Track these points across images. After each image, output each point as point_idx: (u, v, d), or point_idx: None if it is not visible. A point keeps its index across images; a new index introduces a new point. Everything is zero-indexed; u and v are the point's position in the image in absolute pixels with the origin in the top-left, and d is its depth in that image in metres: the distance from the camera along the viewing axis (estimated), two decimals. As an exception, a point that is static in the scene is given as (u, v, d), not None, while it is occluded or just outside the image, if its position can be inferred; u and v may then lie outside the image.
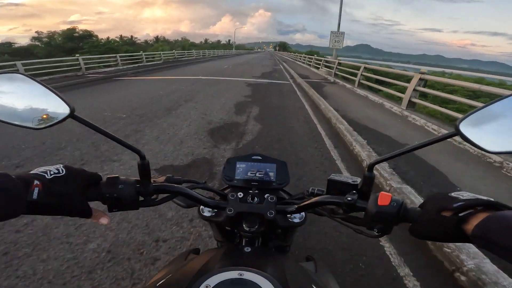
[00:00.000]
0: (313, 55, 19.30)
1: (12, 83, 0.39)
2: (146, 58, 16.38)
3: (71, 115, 0.39)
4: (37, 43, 45.14)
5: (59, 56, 27.95)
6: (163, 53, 19.35)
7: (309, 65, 18.09)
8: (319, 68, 13.78)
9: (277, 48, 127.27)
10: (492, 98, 0.41)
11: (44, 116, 0.39)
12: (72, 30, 48.43)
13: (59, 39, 47.45)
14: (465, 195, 0.37)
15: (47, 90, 0.39)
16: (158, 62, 17.49)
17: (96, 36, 48.59)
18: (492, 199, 0.36)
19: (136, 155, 0.46)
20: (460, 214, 0.35)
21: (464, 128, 0.35)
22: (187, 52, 24.47)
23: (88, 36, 47.25)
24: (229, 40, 77.04)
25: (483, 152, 2.62)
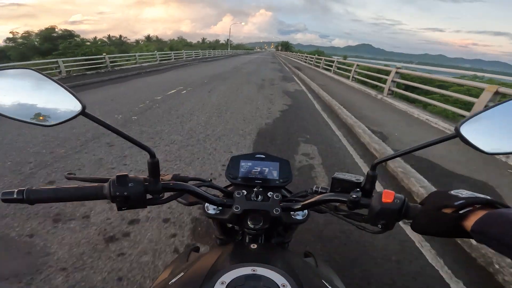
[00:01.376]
0: (350, 61, 10.56)
1: (23, 79, 0.38)
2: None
3: (83, 113, 0.39)
4: (11, 44, 38.46)
5: (34, 58, 21.22)
6: (62, 60, 9.74)
7: (358, 80, 9.38)
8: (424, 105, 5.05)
9: (279, 48, 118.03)
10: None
11: (55, 113, 0.38)
12: (51, 30, 41.22)
13: (36, 39, 40.40)
14: (464, 193, 0.39)
15: (59, 87, 0.38)
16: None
17: (78, 36, 41.20)
18: (489, 198, 0.37)
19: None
20: (461, 212, 0.37)
21: (464, 131, 0.37)
22: (150, 54, 16.05)
23: (68, 36, 39.85)
24: (228, 39, 68.71)
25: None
